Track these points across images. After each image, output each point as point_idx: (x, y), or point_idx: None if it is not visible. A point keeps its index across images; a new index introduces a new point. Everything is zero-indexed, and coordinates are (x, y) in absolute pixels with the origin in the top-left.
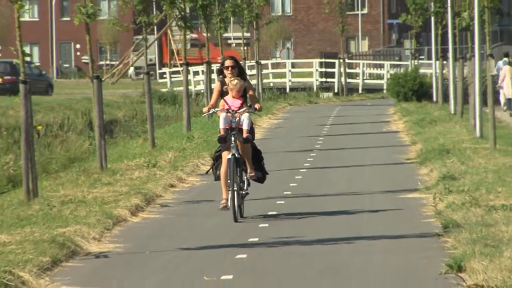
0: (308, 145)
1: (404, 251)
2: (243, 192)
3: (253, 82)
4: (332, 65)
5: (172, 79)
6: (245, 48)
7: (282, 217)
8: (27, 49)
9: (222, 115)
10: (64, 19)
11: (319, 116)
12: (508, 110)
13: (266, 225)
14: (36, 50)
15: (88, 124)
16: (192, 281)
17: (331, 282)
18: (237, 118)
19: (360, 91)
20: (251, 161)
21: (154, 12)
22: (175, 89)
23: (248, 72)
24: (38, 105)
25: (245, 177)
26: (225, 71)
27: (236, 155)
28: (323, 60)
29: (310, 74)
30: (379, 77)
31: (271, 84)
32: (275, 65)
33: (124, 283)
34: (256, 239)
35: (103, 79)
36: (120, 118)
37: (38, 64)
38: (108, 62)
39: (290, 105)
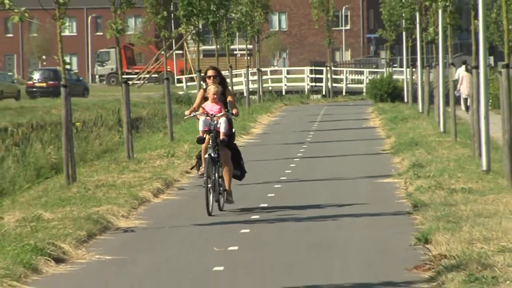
0: (300, 138)
1: (381, 227)
2: (222, 189)
3: (255, 86)
4: (320, 72)
5: (188, 84)
6: (248, 57)
7: (278, 199)
8: (67, 59)
9: (202, 118)
10: (98, 33)
11: (309, 115)
12: (466, 110)
13: (266, 205)
14: (74, 59)
15: (118, 121)
16: (204, 252)
17: (321, 253)
18: (215, 121)
19: (343, 94)
20: (229, 179)
21: (173, 29)
22: (190, 92)
23: (250, 77)
24: (76, 105)
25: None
26: (207, 80)
27: (212, 155)
28: (313, 67)
29: (302, 79)
30: (360, 82)
31: (270, 88)
32: (273, 72)
33: (148, 253)
34: (258, 217)
35: (130, 83)
36: (144, 116)
37: (76, 71)
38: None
39: (286, 105)
